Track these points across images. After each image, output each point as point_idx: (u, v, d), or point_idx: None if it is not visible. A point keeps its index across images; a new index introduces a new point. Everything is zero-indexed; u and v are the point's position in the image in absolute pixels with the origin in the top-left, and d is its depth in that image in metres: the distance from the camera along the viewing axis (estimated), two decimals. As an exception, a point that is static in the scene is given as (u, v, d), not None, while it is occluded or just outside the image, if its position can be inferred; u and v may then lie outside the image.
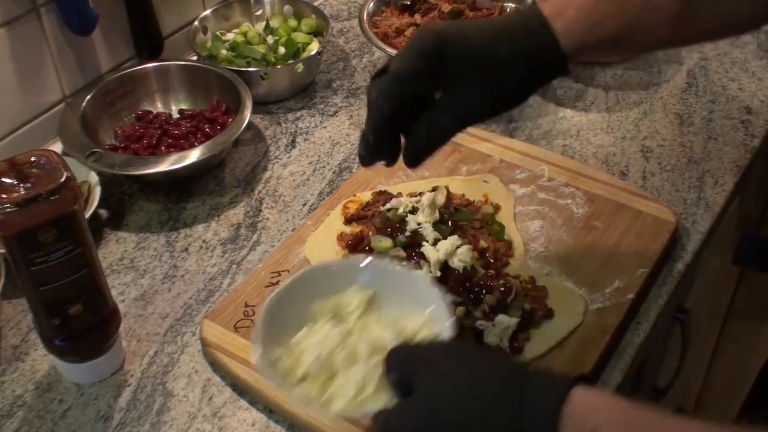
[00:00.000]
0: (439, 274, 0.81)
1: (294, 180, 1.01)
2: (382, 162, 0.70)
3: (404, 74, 0.66)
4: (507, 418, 0.56)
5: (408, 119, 0.68)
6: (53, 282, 0.70)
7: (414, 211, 0.88)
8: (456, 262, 0.82)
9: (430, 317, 0.68)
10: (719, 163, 1.00)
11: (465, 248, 0.83)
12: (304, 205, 0.97)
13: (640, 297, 0.83)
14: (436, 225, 0.87)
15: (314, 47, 1.14)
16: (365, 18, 1.14)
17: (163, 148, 1.01)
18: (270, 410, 0.76)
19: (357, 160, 1.03)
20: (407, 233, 0.86)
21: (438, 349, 0.63)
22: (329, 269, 0.74)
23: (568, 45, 0.66)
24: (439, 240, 0.84)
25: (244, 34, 1.17)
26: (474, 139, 1.02)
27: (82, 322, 0.74)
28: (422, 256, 0.83)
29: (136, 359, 0.81)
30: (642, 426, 0.54)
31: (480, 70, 0.66)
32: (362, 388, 0.63)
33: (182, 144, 1.01)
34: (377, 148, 0.69)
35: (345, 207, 0.92)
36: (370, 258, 0.75)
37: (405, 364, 0.62)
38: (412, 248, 0.85)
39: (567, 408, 0.54)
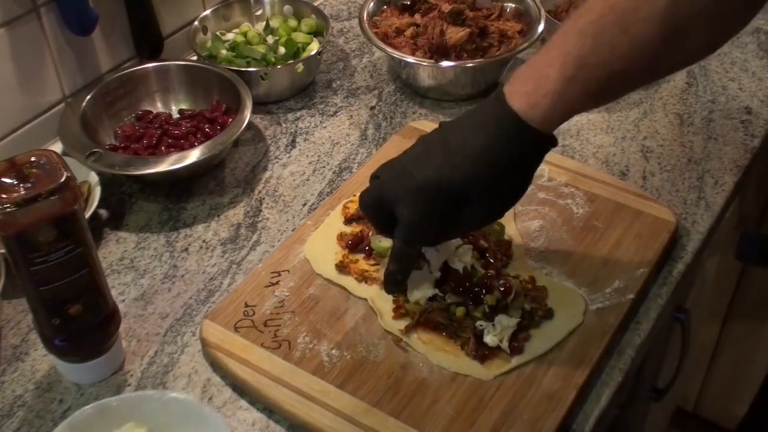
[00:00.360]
0: (438, 274, 0.81)
1: (294, 180, 1.01)
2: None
3: (425, 223, 0.73)
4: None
5: None
6: (53, 282, 0.70)
7: (414, 211, 0.88)
8: (456, 263, 0.82)
9: None
10: (719, 163, 1.00)
11: (466, 248, 0.83)
12: (304, 205, 0.97)
13: (640, 297, 0.83)
14: (436, 225, 0.87)
15: (314, 47, 1.14)
16: (365, 18, 1.14)
17: (163, 148, 1.01)
18: (270, 410, 0.76)
19: (357, 160, 1.03)
20: (407, 233, 0.86)
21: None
22: (106, 406, 0.71)
23: (551, 127, 0.70)
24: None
25: (244, 34, 1.17)
26: (474, 139, 1.02)
27: (82, 322, 0.74)
28: (422, 257, 0.83)
29: (136, 359, 0.81)
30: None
31: (490, 204, 0.73)
32: None
33: (182, 144, 1.01)
34: (405, 280, 0.78)
35: (345, 207, 0.92)
36: (149, 392, 0.75)
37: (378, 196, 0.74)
38: (412, 248, 0.85)
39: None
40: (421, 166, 0.72)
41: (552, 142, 0.72)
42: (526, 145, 0.70)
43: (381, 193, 0.74)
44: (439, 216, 0.72)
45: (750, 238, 1.23)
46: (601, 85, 0.69)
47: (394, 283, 0.77)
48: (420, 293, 0.79)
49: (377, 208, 0.75)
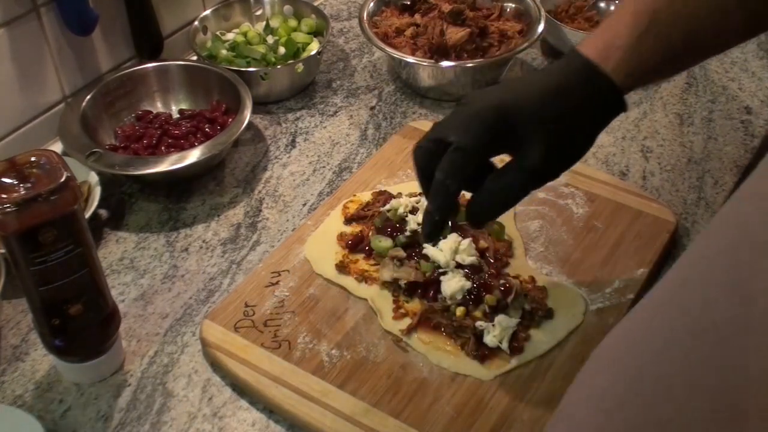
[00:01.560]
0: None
1: (294, 180, 1.01)
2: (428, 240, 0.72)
3: (471, 150, 0.66)
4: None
5: (467, 186, 0.69)
6: (53, 282, 0.70)
7: (414, 211, 0.88)
8: (466, 259, 0.82)
9: None
10: (719, 163, 1.00)
11: (467, 242, 0.83)
12: (304, 205, 0.97)
13: (640, 297, 0.83)
14: (436, 225, 0.87)
15: (314, 47, 1.14)
16: (365, 18, 1.14)
17: (163, 148, 1.01)
18: (270, 410, 0.76)
19: (357, 160, 1.03)
20: (407, 233, 0.86)
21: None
22: None
23: (622, 84, 0.67)
24: (439, 240, 0.84)
25: (244, 34, 1.17)
26: (474, 139, 1.02)
27: (82, 322, 0.74)
28: (423, 257, 0.83)
29: (136, 359, 0.81)
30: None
31: (545, 130, 0.66)
32: None
33: (182, 144, 1.01)
34: (444, 223, 0.69)
35: (345, 207, 0.92)
36: None
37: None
38: (412, 248, 0.85)
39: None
40: (482, 96, 0.68)
41: (622, 106, 0.68)
42: (596, 94, 0.67)
43: (436, 132, 0.68)
44: (489, 143, 0.66)
45: None
46: (674, 42, 0.66)
47: (432, 225, 0.69)
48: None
49: (426, 152, 0.68)
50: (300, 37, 1.16)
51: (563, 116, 0.66)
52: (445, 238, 0.80)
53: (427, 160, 0.68)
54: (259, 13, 1.22)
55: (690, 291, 0.37)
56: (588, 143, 0.69)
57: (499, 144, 0.67)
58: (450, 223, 0.87)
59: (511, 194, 0.68)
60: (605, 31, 0.68)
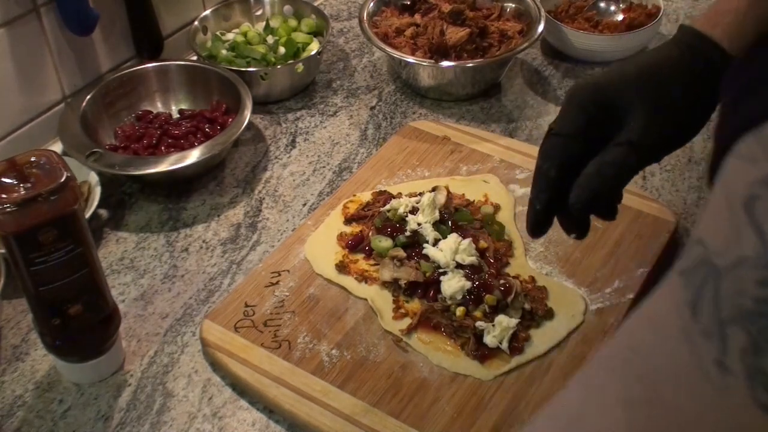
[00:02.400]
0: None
1: (294, 180, 1.01)
2: (573, 236, 0.68)
3: (567, 132, 0.63)
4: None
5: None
6: (53, 282, 0.70)
7: (414, 211, 0.88)
8: (466, 259, 0.82)
9: None
10: (719, 163, 1.00)
11: (466, 242, 0.83)
12: (304, 205, 0.97)
13: (640, 297, 0.83)
14: (436, 225, 0.87)
15: (314, 47, 1.14)
16: (365, 18, 1.14)
17: (163, 148, 1.01)
18: (270, 410, 0.76)
19: (357, 160, 1.03)
20: (407, 233, 0.86)
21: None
22: None
23: (732, 49, 0.62)
24: (439, 240, 0.84)
25: (244, 34, 1.17)
26: (474, 139, 1.02)
27: (82, 322, 0.74)
28: (424, 257, 0.84)
29: (136, 359, 0.81)
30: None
31: (648, 103, 0.62)
32: None
33: (182, 144, 1.01)
34: (546, 214, 0.66)
35: (345, 207, 0.92)
36: None
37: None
38: (412, 248, 0.85)
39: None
40: (581, 81, 0.66)
41: None
42: (702, 61, 0.62)
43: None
44: (586, 124, 0.63)
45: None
46: None
47: (533, 216, 0.66)
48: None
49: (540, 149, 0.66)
50: (300, 37, 1.16)
51: (664, 84, 0.62)
52: (543, 234, 0.69)
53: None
54: (259, 13, 1.22)
55: None
56: (703, 116, 0.64)
57: (599, 125, 0.63)
58: (450, 223, 0.87)
59: (613, 172, 0.62)
60: (715, 5, 0.64)
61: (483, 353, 0.76)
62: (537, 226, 0.67)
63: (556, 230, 0.89)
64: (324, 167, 1.02)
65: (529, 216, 0.66)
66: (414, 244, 0.86)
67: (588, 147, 0.64)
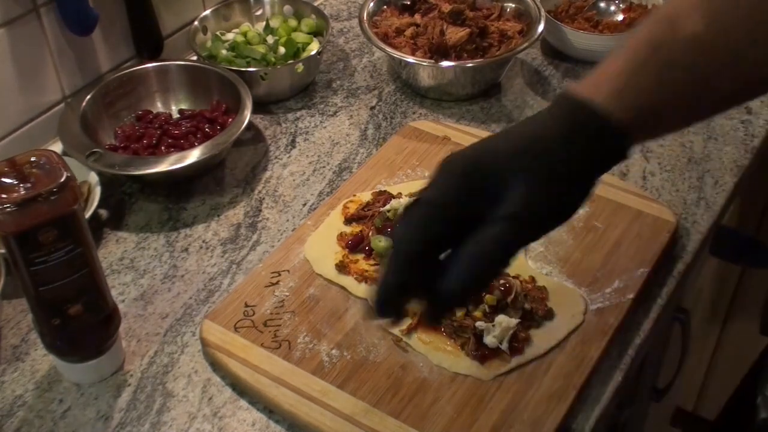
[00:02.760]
0: None
1: (294, 180, 1.01)
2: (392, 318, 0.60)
3: (439, 202, 0.56)
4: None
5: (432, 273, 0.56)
6: (53, 282, 0.70)
7: (414, 211, 0.88)
8: None
9: None
10: (719, 163, 1.00)
11: None
12: (304, 205, 0.97)
13: (640, 297, 0.83)
14: (436, 225, 0.87)
15: (314, 47, 1.14)
16: (365, 18, 1.14)
17: (163, 148, 1.01)
18: (270, 410, 0.76)
19: (357, 160, 1.03)
20: (407, 233, 0.86)
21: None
22: None
23: (617, 114, 0.56)
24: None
25: (244, 34, 1.17)
26: (474, 139, 1.02)
27: (82, 322, 0.74)
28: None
29: (136, 359, 0.81)
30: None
31: (525, 170, 0.55)
32: None
33: (182, 144, 1.01)
34: (402, 297, 0.58)
35: (345, 207, 0.92)
36: None
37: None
38: (412, 248, 0.85)
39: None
40: (458, 152, 0.58)
41: (623, 143, 0.57)
42: (584, 130, 0.56)
43: (413, 199, 0.59)
44: (459, 196, 0.56)
45: (725, 233, 1.22)
46: (680, 74, 0.56)
47: (386, 297, 0.58)
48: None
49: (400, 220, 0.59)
50: (300, 37, 1.16)
51: (545, 156, 0.55)
52: (398, 317, 0.61)
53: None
54: (259, 13, 1.22)
55: None
56: (584, 188, 0.58)
57: (473, 199, 0.56)
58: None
59: (499, 250, 0.56)
60: (599, 68, 0.58)
61: (483, 353, 0.76)
62: (389, 310, 0.58)
63: (556, 230, 0.90)
64: (324, 167, 1.02)
65: (379, 297, 0.57)
66: (414, 244, 0.85)
67: (458, 223, 0.56)
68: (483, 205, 0.55)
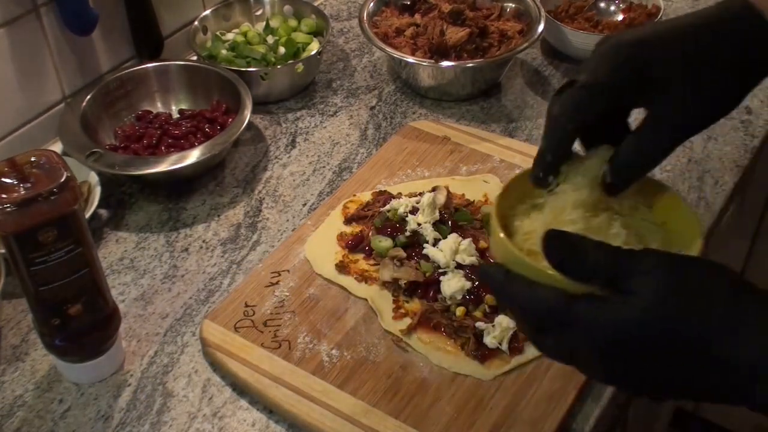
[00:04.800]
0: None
1: (294, 180, 1.01)
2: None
3: (596, 87, 0.57)
4: (727, 354, 0.49)
5: (590, 136, 0.61)
6: (53, 282, 0.70)
7: (414, 211, 0.88)
8: (466, 259, 0.82)
9: None
10: (719, 163, 1.00)
11: (467, 242, 0.83)
12: (304, 205, 0.97)
13: (640, 297, 0.83)
14: (436, 225, 0.87)
15: (314, 47, 1.14)
16: (365, 18, 1.14)
17: (163, 148, 1.01)
18: (270, 410, 0.76)
19: (357, 160, 1.03)
20: (407, 233, 0.86)
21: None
22: None
23: None
24: (439, 240, 0.84)
25: (244, 34, 1.17)
26: (474, 139, 1.02)
27: (82, 322, 0.74)
28: (424, 257, 0.83)
29: (136, 359, 0.81)
30: None
31: (694, 73, 0.57)
32: None
33: (182, 144, 1.01)
34: (556, 167, 0.60)
35: (345, 207, 0.92)
36: None
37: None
38: (412, 248, 0.85)
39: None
40: (620, 34, 0.59)
41: None
42: (749, 34, 0.57)
43: (570, 76, 0.60)
44: (619, 82, 0.57)
45: None
46: None
47: (541, 166, 0.60)
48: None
49: (556, 99, 0.60)
50: (300, 37, 1.16)
51: (713, 58, 0.57)
52: (551, 187, 0.61)
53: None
54: (259, 13, 1.22)
55: None
56: (742, 92, 0.61)
57: (633, 87, 0.58)
58: (450, 223, 0.87)
59: (655, 151, 0.59)
60: None
61: (483, 353, 0.76)
62: (543, 178, 0.60)
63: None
64: (324, 167, 1.02)
65: (537, 166, 0.60)
66: (414, 244, 0.86)
67: (613, 105, 0.59)
68: (644, 97, 0.58)
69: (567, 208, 0.59)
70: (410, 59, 1.08)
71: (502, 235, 0.57)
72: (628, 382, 0.52)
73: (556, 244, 0.52)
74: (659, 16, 1.14)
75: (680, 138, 0.60)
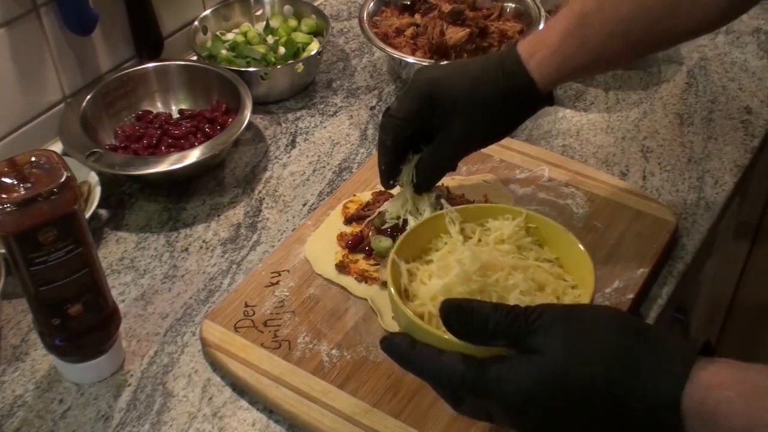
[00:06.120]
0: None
1: (294, 180, 1.01)
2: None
3: (399, 116, 0.77)
4: (630, 394, 0.52)
5: (415, 146, 0.81)
6: (53, 282, 0.70)
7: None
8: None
9: None
10: (719, 163, 1.00)
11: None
12: (304, 205, 0.97)
13: (640, 297, 0.83)
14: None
15: (314, 47, 1.14)
16: (365, 18, 1.14)
17: (163, 148, 1.01)
18: (270, 410, 0.76)
19: (357, 160, 1.03)
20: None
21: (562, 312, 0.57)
22: None
23: (543, 81, 0.74)
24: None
25: (244, 34, 1.17)
26: (474, 139, 1.02)
27: (82, 322, 0.74)
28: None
29: (136, 359, 0.81)
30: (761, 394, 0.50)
31: (465, 111, 0.75)
32: None
33: (182, 144, 1.01)
34: (390, 172, 0.82)
35: (345, 207, 0.92)
36: None
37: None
38: (412, 248, 0.85)
39: (687, 387, 0.51)
40: (424, 71, 0.78)
41: (548, 101, 0.77)
42: (516, 87, 0.74)
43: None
44: (416, 112, 0.76)
45: None
46: (599, 44, 0.73)
47: (382, 174, 0.82)
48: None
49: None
50: (300, 37, 1.16)
51: (479, 102, 0.75)
52: (394, 185, 0.84)
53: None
54: (259, 13, 1.22)
55: None
56: (508, 128, 0.79)
57: (428, 114, 0.76)
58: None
59: (440, 165, 0.80)
60: (544, 29, 0.76)
61: (483, 353, 0.76)
62: (385, 181, 0.83)
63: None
64: (324, 167, 1.02)
65: (380, 175, 0.83)
66: (414, 244, 0.85)
67: (415, 128, 0.78)
68: (436, 122, 0.77)
69: (454, 265, 0.65)
70: (410, 59, 1.08)
71: (403, 307, 0.62)
72: None
73: (455, 317, 0.56)
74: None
75: (464, 151, 0.81)
